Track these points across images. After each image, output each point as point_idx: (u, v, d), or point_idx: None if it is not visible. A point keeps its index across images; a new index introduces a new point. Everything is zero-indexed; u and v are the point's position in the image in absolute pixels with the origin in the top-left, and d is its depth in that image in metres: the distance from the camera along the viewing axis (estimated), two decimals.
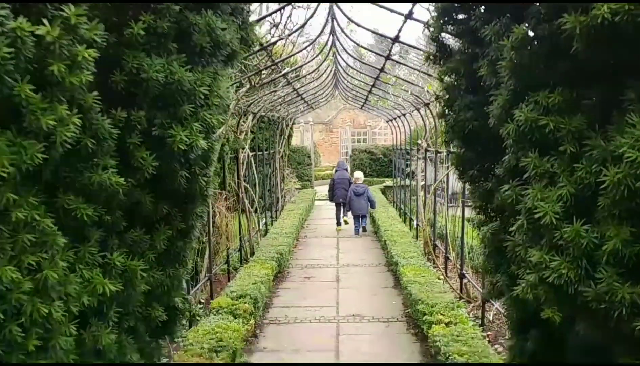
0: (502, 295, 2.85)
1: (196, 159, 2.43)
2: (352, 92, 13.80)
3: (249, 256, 8.18)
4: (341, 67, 10.79)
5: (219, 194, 6.92)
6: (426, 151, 8.95)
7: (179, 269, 2.63)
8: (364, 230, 11.27)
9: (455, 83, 2.86)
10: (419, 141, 8.97)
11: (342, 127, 26.30)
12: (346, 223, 11.92)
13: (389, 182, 17.52)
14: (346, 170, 12.58)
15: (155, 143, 2.17)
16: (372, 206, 11.52)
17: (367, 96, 12.61)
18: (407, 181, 13.97)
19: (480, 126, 2.60)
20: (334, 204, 11.99)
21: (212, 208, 6.70)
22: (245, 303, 5.38)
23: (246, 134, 8.84)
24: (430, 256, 8.19)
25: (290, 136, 15.29)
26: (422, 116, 10.00)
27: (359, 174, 11.94)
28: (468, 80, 2.73)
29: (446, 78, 2.94)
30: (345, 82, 12.40)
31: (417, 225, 9.97)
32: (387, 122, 14.92)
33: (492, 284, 2.88)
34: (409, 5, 4.85)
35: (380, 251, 9.44)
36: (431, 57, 3.05)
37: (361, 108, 14.85)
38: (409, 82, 9.17)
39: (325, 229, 11.96)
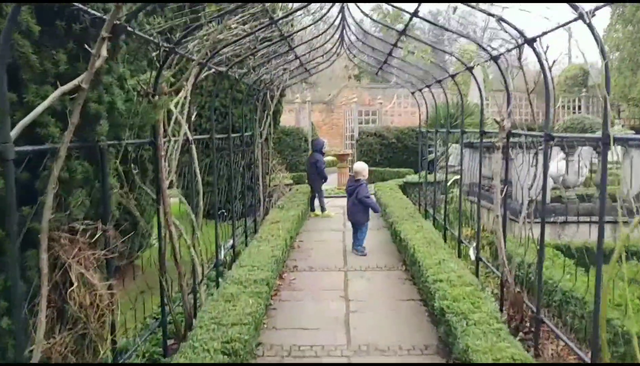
0: None
1: None
2: (364, 50, 9.77)
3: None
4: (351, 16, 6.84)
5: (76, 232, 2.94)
6: (512, 134, 4.90)
7: None
8: (363, 252, 7.76)
9: None
10: (497, 118, 4.97)
11: (346, 105, 22.10)
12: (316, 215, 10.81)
13: (411, 176, 13.42)
14: (318, 151, 10.87)
15: None
16: (375, 210, 8.00)
17: (387, 58, 8.57)
18: (438, 175, 9.98)
19: None
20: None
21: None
22: None
23: (184, 101, 4.83)
24: (529, 338, 4.25)
25: (278, 112, 11.19)
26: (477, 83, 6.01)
27: (358, 167, 8.19)
28: None
29: None
30: (358, 36, 8.42)
31: (477, 258, 5.99)
32: (413, 93, 10.82)
33: None
34: None
35: (420, 307, 5.50)
36: None
37: (376, 74, 10.75)
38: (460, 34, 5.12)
39: (325, 253, 7.95)
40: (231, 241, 7.22)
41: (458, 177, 10.61)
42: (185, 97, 5.01)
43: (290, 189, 12.14)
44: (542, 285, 4.29)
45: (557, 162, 7.75)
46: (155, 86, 4.20)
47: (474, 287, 4.78)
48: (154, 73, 4.13)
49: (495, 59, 5.80)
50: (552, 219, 7.16)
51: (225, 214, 7.52)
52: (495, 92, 23.23)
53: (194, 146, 5.01)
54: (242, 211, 8.62)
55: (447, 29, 6.17)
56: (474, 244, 6.46)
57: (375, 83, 29.17)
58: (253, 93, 9.40)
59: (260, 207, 9.69)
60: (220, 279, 6.08)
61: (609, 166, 3.39)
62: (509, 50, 5.29)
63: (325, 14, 7.43)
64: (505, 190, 4.93)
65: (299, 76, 10.14)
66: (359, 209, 7.86)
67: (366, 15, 6.28)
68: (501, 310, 4.92)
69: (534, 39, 4.29)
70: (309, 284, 6.39)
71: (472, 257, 6.27)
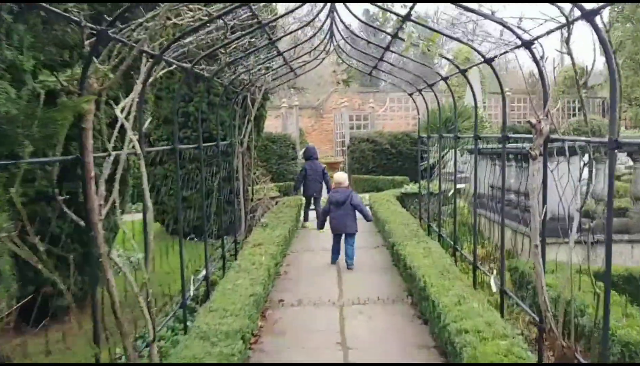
0: None
1: None
2: (356, 46, 8.70)
3: None
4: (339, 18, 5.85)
5: None
6: (551, 139, 3.78)
7: None
8: (349, 264, 7.26)
9: None
10: (532, 120, 3.88)
11: (336, 109, 21.02)
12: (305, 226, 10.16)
13: (409, 186, 12.31)
14: (317, 159, 10.40)
15: None
16: (367, 218, 7.41)
17: (383, 54, 7.55)
18: (438, 185, 8.93)
19: None
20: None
21: None
22: None
23: (138, 102, 3.69)
24: None
25: (261, 117, 10.05)
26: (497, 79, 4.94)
27: (341, 177, 7.55)
28: None
29: None
30: (349, 31, 7.40)
31: (502, 291, 4.88)
32: (411, 95, 9.75)
33: None
34: None
35: (438, 357, 4.38)
36: None
37: (369, 74, 9.68)
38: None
39: (317, 281, 6.81)
40: (204, 272, 6.06)
41: (459, 186, 9.57)
42: (135, 100, 3.89)
43: (276, 203, 10.99)
44: (608, 344, 3.19)
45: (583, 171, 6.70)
46: (82, 83, 3.07)
47: (509, 341, 3.66)
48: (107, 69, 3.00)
49: (489, 61, 4.82)
50: (580, 238, 6.07)
51: (195, 238, 6.38)
52: (492, 94, 22.31)
53: (142, 162, 3.86)
54: (219, 231, 7.47)
55: (442, 33, 5.33)
56: (494, 272, 5.37)
57: (365, 87, 28.15)
58: (231, 96, 8.26)
59: (242, 225, 8.54)
60: (188, 324, 4.94)
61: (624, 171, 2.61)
62: (507, 51, 4.38)
63: (313, 19, 6.40)
64: (545, 211, 3.83)
65: (283, 76, 9.03)
66: (352, 218, 7.33)
67: (357, 18, 5.29)
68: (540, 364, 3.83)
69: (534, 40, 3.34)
70: (297, 326, 5.23)
71: (494, 289, 5.17)
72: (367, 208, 11.28)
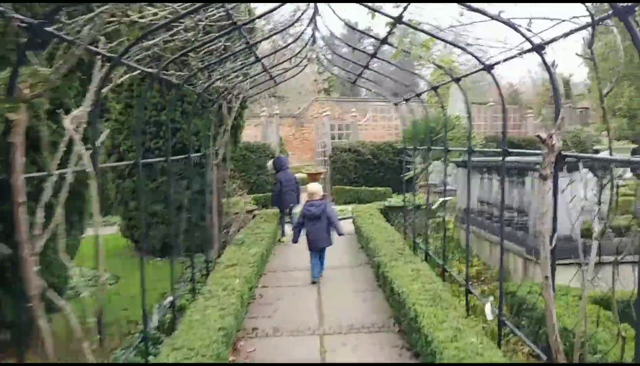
0: None
1: None
2: (339, 55, 8.25)
3: None
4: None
5: None
6: (563, 156, 3.34)
7: None
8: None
9: None
10: (542, 134, 3.46)
11: (317, 118, 20.58)
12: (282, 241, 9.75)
13: (393, 199, 11.86)
14: (289, 168, 10.06)
15: None
16: (338, 232, 7.16)
17: (369, 62, 7.18)
18: (422, 198, 8.54)
19: None
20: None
21: None
22: None
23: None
24: None
25: (238, 127, 9.51)
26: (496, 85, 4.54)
27: (315, 187, 7.27)
28: None
29: None
30: (332, 37, 6.99)
31: (500, 322, 4.43)
32: (396, 104, 9.32)
33: None
34: None
35: None
36: None
37: (353, 83, 9.24)
38: None
39: (295, 304, 6.29)
40: (171, 297, 5.49)
41: (444, 199, 9.18)
42: (90, 109, 3.36)
43: (254, 216, 10.45)
44: None
45: (587, 188, 6.31)
46: (12, 87, 2.54)
47: None
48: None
49: (489, 68, 4.42)
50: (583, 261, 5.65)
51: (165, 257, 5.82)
52: (474, 104, 22.10)
53: (94, 182, 3.31)
54: (188, 249, 6.92)
55: (439, 38, 4.94)
56: (490, 298, 4.92)
57: (346, 96, 27.78)
58: (206, 104, 7.73)
59: (215, 242, 7.98)
60: (150, 358, 4.39)
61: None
62: (514, 57, 3.99)
63: (294, 22, 5.95)
64: (554, 237, 3.38)
65: (263, 84, 8.53)
66: (328, 232, 7.09)
67: (341, 19, 4.82)
68: None
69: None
70: (273, 360, 4.71)
71: (489, 316, 4.72)
72: (350, 220, 10.86)
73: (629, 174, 9.01)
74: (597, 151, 12.44)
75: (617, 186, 3.43)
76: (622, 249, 5.79)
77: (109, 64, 3.60)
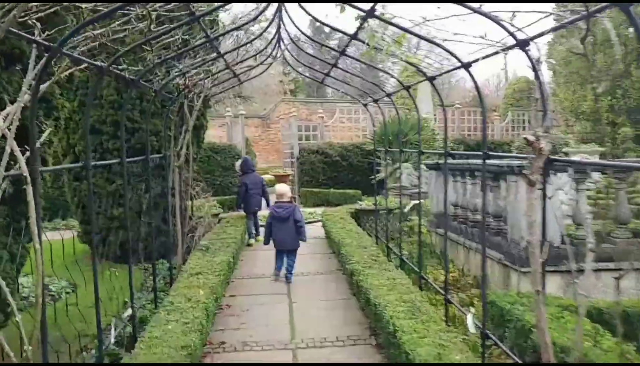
0: None
1: None
2: (306, 52, 7.90)
3: None
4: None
5: None
6: (551, 160, 3.09)
7: None
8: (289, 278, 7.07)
9: None
10: (525, 135, 3.23)
11: (284, 119, 20.18)
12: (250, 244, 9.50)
13: (364, 202, 11.57)
14: (255, 171, 9.95)
15: None
16: (302, 237, 7.08)
17: (337, 60, 6.86)
18: (395, 201, 8.29)
19: None
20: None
21: None
22: None
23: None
24: None
25: (201, 127, 9.05)
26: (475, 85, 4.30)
27: (283, 188, 7.22)
28: None
29: None
30: (300, 33, 6.63)
31: (484, 335, 4.16)
32: (365, 105, 9.04)
33: None
34: None
35: None
36: None
37: (321, 82, 8.91)
38: None
39: (265, 315, 5.89)
40: (129, 310, 5.03)
41: (414, 202, 8.96)
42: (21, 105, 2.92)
43: (219, 220, 9.99)
44: None
45: (568, 193, 6.17)
46: None
47: None
48: None
49: (466, 66, 4.17)
50: (563, 268, 5.46)
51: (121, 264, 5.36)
52: (440, 106, 22.11)
53: (30, 188, 2.87)
54: (150, 255, 6.43)
55: (413, 33, 4.70)
56: (472, 310, 4.66)
57: (312, 97, 27.49)
58: (166, 103, 7.26)
59: (179, 247, 7.51)
60: None
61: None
62: (495, 53, 3.73)
63: (257, 16, 5.55)
64: (548, 251, 3.12)
65: (226, 82, 8.10)
66: (295, 234, 7.04)
67: (309, 14, 4.45)
68: None
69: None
70: None
71: (471, 329, 4.44)
72: (320, 223, 10.51)
73: (596, 174, 8.98)
74: (566, 154, 12.53)
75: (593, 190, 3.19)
76: (604, 256, 5.66)
77: (46, 55, 3.16)
